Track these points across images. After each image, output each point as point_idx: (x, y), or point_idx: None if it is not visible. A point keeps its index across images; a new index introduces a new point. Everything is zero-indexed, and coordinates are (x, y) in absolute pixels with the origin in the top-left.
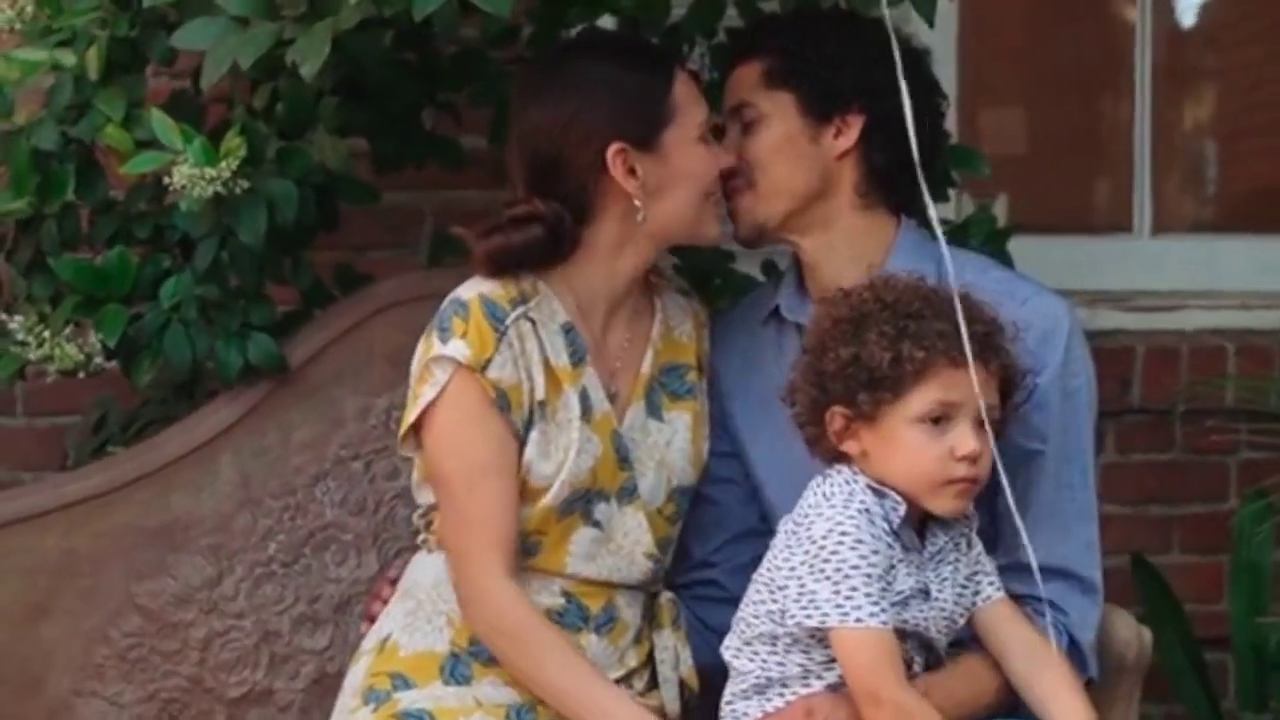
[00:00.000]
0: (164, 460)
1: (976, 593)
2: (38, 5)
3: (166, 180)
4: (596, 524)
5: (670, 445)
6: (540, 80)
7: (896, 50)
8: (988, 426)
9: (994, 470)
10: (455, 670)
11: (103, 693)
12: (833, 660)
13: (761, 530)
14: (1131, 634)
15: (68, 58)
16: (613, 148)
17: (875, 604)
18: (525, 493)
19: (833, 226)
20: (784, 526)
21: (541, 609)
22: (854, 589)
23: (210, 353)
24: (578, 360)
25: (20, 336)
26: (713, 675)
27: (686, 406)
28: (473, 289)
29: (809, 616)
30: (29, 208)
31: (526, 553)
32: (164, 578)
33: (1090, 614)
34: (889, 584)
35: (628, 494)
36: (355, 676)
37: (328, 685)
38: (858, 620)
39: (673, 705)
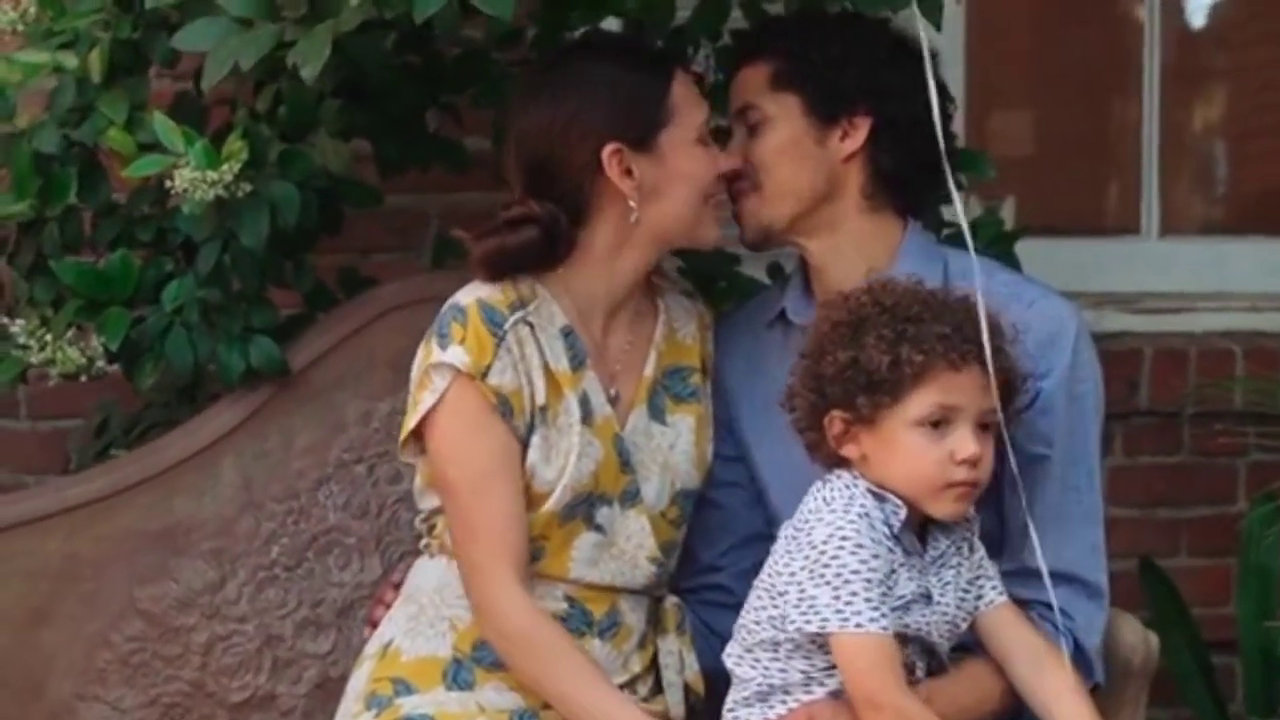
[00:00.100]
0: (166, 464)
1: (979, 597)
2: (40, 7)
3: (169, 183)
4: (599, 528)
5: (674, 448)
6: (537, 81)
7: (926, 50)
8: (1003, 429)
9: (999, 474)
10: (458, 675)
11: (104, 697)
12: (834, 667)
13: (767, 534)
14: (1138, 638)
15: (70, 60)
16: (608, 148)
17: (875, 609)
18: (529, 498)
19: (839, 229)
20: (784, 531)
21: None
22: (854, 594)
23: (212, 356)
24: (577, 364)
25: (22, 340)
26: (719, 680)
27: (690, 409)
28: (471, 294)
29: (809, 622)
30: (31, 211)
31: (530, 558)
32: (166, 582)
33: (1096, 618)
34: (890, 589)
35: (630, 498)
36: (358, 681)
37: (330, 690)
38: (857, 625)
39: (678, 710)
